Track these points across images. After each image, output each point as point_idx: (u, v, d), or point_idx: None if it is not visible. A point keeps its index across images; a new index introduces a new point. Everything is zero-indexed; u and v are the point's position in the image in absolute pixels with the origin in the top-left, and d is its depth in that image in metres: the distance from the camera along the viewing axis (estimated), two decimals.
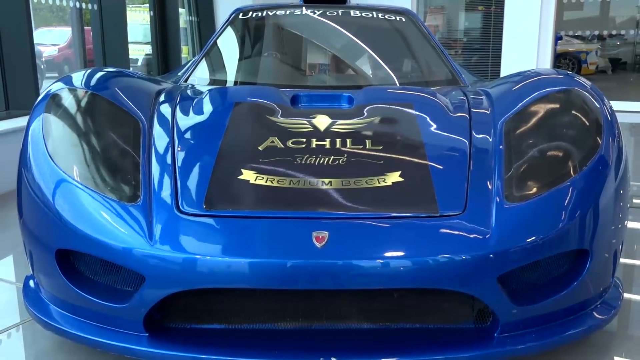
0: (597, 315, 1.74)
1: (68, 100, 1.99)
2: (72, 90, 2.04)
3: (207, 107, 2.27)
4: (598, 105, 1.95)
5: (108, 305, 1.62)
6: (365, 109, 2.18)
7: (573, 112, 1.96)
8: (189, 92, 2.40)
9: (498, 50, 7.83)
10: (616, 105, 3.16)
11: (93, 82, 2.11)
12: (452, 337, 1.62)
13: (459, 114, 2.12)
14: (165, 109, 2.10)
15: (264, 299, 1.66)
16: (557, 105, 2.01)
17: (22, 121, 4.01)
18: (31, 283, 1.88)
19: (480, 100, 2.20)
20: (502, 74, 7.34)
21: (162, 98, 2.19)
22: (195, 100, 2.27)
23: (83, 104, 2.00)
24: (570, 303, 1.68)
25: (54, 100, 1.98)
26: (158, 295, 1.55)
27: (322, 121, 2.07)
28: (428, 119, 2.13)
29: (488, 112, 2.06)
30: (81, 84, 2.08)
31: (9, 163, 2.74)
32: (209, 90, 2.47)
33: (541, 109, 1.98)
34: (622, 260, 2.09)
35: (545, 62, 7.48)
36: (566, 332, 1.66)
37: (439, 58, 3.06)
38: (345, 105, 2.29)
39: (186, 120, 2.07)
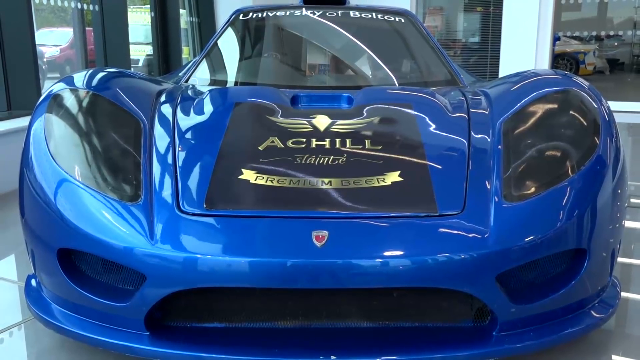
0: (595, 314, 1.75)
1: (69, 101, 2.00)
2: (74, 90, 2.05)
3: (208, 108, 2.28)
4: (596, 106, 1.95)
5: (109, 304, 1.63)
6: (365, 109, 2.19)
7: (571, 112, 1.97)
8: (189, 92, 2.41)
9: (496, 51, 7.85)
10: (614, 105, 3.17)
11: (94, 82, 2.12)
12: (451, 335, 1.62)
13: (457, 114, 2.13)
14: (166, 109, 2.11)
15: (264, 298, 1.67)
16: (555, 106, 2.01)
17: (23, 121, 4.02)
18: (33, 282, 1.89)
19: (479, 101, 2.21)
20: (501, 74, 7.35)
21: (163, 98, 2.20)
22: (195, 101, 2.28)
23: (84, 104, 2.01)
24: (568, 302, 1.69)
25: (55, 100, 1.99)
26: (159, 294, 1.56)
27: (321, 121, 2.09)
28: (427, 119, 2.14)
29: (487, 113, 2.07)
30: (82, 84, 2.09)
31: (10, 163, 2.75)
32: (210, 91, 2.48)
33: (539, 109, 1.99)
34: (619, 259, 2.11)
35: (543, 63, 7.50)
36: (564, 330, 1.67)
37: (437, 59, 3.07)
38: (345, 105, 2.30)
39: (187, 121, 2.08)
